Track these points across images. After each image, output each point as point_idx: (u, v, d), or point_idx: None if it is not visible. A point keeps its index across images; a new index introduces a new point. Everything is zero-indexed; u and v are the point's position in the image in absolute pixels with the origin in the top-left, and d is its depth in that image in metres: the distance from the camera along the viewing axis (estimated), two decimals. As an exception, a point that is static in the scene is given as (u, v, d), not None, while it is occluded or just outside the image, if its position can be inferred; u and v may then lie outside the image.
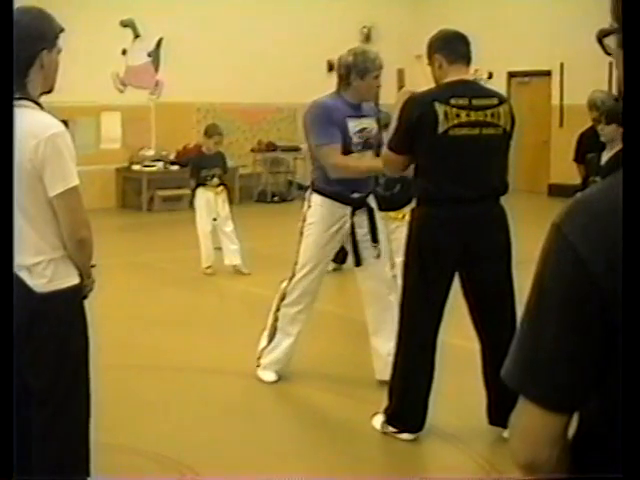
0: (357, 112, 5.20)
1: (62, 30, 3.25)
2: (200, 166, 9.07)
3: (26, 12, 3.11)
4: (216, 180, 9.02)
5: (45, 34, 3.15)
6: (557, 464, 1.38)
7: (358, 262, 5.36)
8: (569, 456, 1.40)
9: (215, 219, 9.03)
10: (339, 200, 5.25)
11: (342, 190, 5.23)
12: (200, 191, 9.06)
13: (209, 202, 8.99)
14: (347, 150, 5.13)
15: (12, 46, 2.50)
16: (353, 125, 5.17)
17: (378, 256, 5.33)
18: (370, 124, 5.24)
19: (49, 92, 3.24)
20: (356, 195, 5.28)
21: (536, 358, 1.35)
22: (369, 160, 5.19)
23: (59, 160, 3.04)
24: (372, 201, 5.41)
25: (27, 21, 3.07)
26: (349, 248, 5.47)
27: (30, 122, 2.98)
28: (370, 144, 5.24)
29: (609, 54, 1.37)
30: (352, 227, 5.30)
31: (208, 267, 9.01)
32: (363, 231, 5.33)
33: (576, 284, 1.29)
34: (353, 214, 5.28)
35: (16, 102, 2.94)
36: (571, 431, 1.42)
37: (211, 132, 9.22)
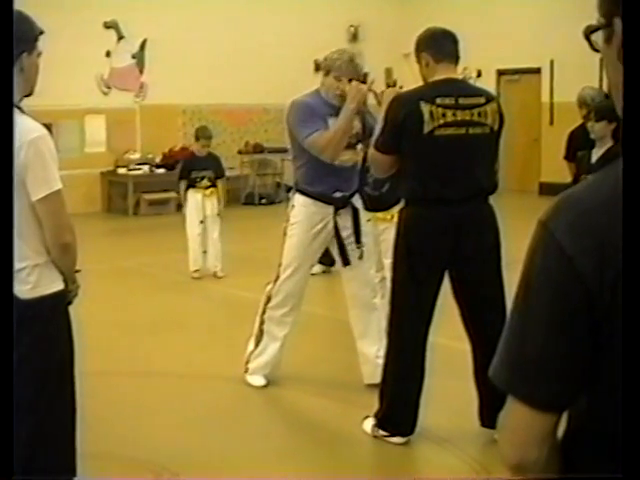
0: (336, 110, 5.14)
1: (42, 32, 3.21)
2: (191, 168, 9.03)
3: None
4: (205, 182, 8.96)
5: (25, 37, 3.11)
6: (547, 464, 1.37)
7: (346, 262, 5.33)
8: (559, 455, 1.39)
9: (202, 221, 8.96)
10: (322, 200, 5.22)
11: (324, 190, 5.21)
12: (190, 193, 9.01)
13: (197, 204, 8.94)
14: None
15: (12, 55, 2.46)
16: (333, 124, 5.12)
17: (361, 257, 5.29)
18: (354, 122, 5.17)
19: (29, 95, 3.20)
20: (338, 194, 5.25)
21: (524, 357, 1.34)
22: (340, 117, 5.06)
23: (41, 164, 3.01)
24: (357, 201, 5.37)
25: None
26: (333, 250, 5.43)
27: None
28: (351, 143, 5.20)
29: (597, 50, 1.37)
30: (336, 227, 5.27)
31: (195, 271, 8.96)
32: (347, 232, 5.30)
33: (563, 282, 1.29)
34: (336, 214, 5.25)
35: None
36: (561, 430, 1.41)
37: (199, 135, 9.20)
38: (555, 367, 1.31)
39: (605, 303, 1.25)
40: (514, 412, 1.36)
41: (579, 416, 1.37)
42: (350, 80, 5.07)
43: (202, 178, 8.93)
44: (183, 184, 9.02)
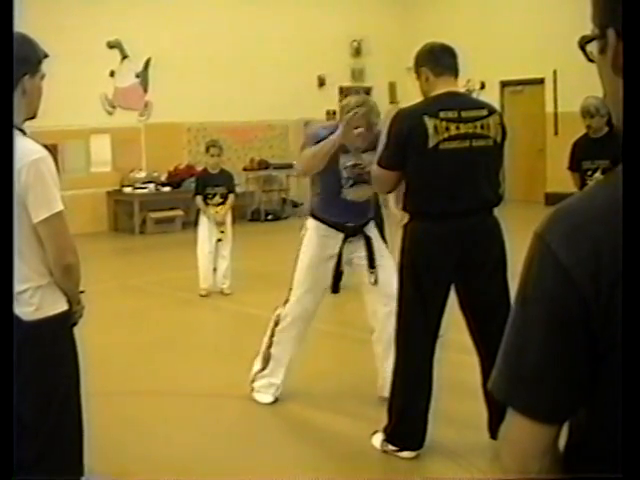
0: (346, 148, 5.12)
1: (46, 56, 3.21)
2: (204, 184, 9.05)
3: None
4: (217, 198, 8.97)
5: (27, 59, 3.11)
6: (548, 475, 1.37)
7: (335, 289, 5.37)
8: (560, 467, 1.38)
9: (220, 240, 8.96)
10: (333, 227, 5.26)
11: (337, 220, 5.25)
12: (200, 214, 9.05)
13: (209, 222, 8.95)
14: (337, 183, 5.17)
15: (12, 76, 2.47)
16: (344, 160, 5.15)
17: (375, 282, 5.28)
18: (367, 159, 5.07)
19: (32, 118, 3.20)
20: (350, 224, 5.28)
21: (522, 369, 1.34)
22: (324, 142, 5.01)
23: (42, 186, 3.00)
24: (371, 230, 5.38)
25: None
26: (344, 271, 5.47)
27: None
28: (364, 179, 5.10)
29: (592, 61, 1.38)
30: (339, 255, 5.29)
31: (204, 289, 8.93)
32: (360, 255, 5.31)
33: (559, 293, 1.29)
34: (347, 240, 5.28)
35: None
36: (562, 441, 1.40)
37: (209, 145, 9.25)
38: (554, 378, 1.31)
39: (602, 313, 1.25)
40: (514, 424, 1.36)
41: (579, 427, 1.37)
42: (371, 125, 5.05)
43: (214, 195, 8.95)
44: (199, 199, 9.03)
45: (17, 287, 3.01)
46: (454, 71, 4.42)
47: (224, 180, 9.10)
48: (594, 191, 1.35)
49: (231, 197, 9.09)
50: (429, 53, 4.45)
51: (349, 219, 5.25)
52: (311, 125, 5.29)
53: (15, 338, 2.95)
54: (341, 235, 5.27)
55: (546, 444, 1.34)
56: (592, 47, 1.35)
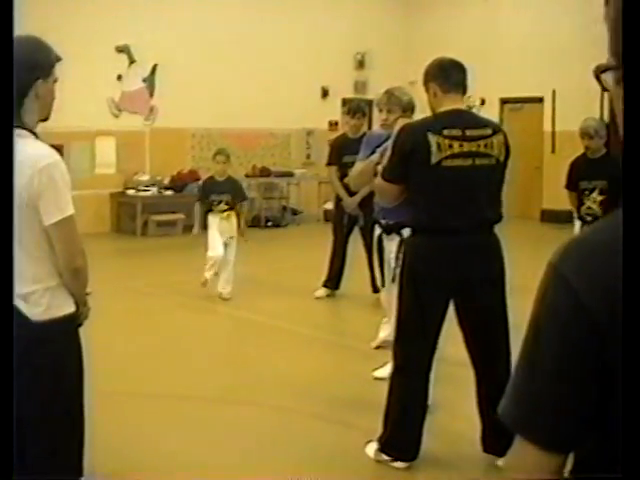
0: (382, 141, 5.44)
1: (59, 60, 3.26)
2: (209, 191, 9.11)
3: (22, 41, 3.11)
4: (222, 205, 9.02)
5: (40, 64, 3.16)
6: None
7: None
8: None
9: (226, 243, 9.01)
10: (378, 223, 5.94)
11: (377, 215, 5.90)
12: (209, 217, 9.11)
13: (217, 227, 9.01)
14: None
15: (12, 77, 2.52)
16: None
17: (393, 280, 5.43)
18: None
19: (45, 120, 3.25)
20: (383, 221, 5.75)
21: (532, 396, 1.34)
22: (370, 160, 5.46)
23: (54, 190, 3.04)
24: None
25: (22, 50, 3.08)
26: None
27: (25, 152, 2.98)
28: None
29: (606, 90, 1.37)
30: (380, 249, 5.92)
31: (204, 281, 8.96)
32: (392, 254, 5.69)
33: (572, 323, 1.29)
34: (381, 236, 5.87)
35: (12, 131, 2.95)
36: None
37: (216, 152, 9.33)
38: (562, 408, 1.31)
39: (613, 346, 1.26)
40: (520, 451, 1.35)
41: (585, 456, 1.37)
42: (389, 111, 5.65)
43: (219, 202, 9.00)
44: (199, 206, 9.08)
45: (27, 288, 3.07)
46: (462, 88, 4.47)
47: (230, 187, 9.13)
48: (608, 224, 1.36)
49: (242, 205, 9.23)
50: (439, 68, 4.49)
51: (384, 214, 5.74)
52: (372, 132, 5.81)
53: (23, 339, 3.01)
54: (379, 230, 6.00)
55: (551, 472, 1.34)
56: (607, 76, 1.34)
